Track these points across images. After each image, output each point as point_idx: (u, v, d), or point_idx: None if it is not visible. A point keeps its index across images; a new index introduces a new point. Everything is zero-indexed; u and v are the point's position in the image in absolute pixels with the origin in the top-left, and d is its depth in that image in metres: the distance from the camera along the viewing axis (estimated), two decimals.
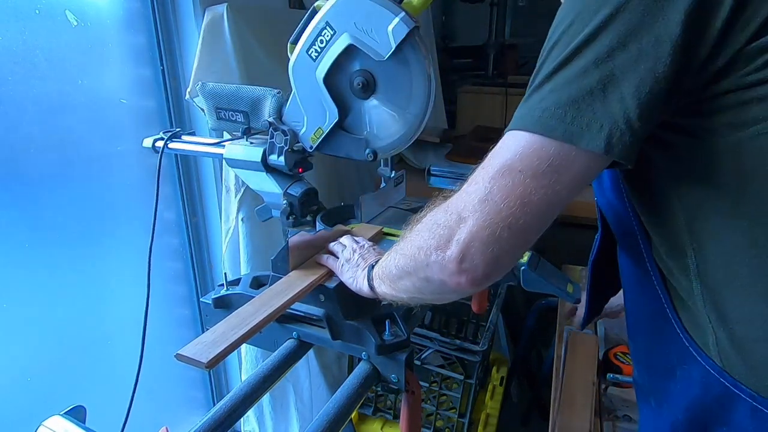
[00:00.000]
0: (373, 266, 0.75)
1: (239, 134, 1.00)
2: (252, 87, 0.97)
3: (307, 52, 0.85)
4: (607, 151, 0.48)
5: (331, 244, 0.88)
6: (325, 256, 0.86)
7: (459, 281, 0.55)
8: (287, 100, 0.93)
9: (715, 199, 0.52)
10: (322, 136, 0.91)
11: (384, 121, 0.88)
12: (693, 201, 0.54)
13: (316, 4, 0.84)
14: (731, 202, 0.51)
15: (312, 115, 0.91)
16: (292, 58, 0.87)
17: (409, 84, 0.82)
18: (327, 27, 0.82)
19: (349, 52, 0.82)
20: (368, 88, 0.85)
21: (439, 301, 0.66)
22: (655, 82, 0.47)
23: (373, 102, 0.87)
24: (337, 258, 0.84)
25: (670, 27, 0.46)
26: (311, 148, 0.93)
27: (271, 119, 0.92)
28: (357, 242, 0.85)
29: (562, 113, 0.48)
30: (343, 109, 0.88)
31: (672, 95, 0.48)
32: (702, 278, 0.55)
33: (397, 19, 0.77)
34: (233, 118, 0.99)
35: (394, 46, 0.78)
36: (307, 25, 0.85)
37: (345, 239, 0.87)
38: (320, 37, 0.83)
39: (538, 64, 0.52)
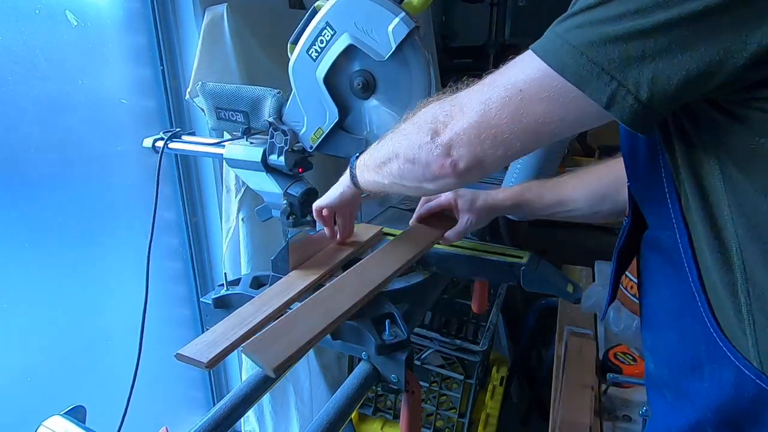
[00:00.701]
0: (357, 156, 0.77)
1: (239, 134, 1.00)
2: (252, 87, 0.97)
3: (307, 52, 0.85)
4: (608, 107, 0.47)
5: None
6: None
7: (443, 163, 0.59)
8: (287, 100, 0.93)
9: None
10: (322, 136, 0.91)
11: (384, 121, 0.88)
12: (751, 207, 0.51)
13: (316, 4, 0.84)
14: None
15: (312, 115, 0.91)
16: (292, 58, 0.87)
17: (409, 84, 0.82)
18: (327, 27, 0.82)
19: (349, 52, 0.83)
20: (368, 88, 0.85)
21: (417, 192, 0.70)
22: (688, 68, 0.44)
23: (373, 102, 0.87)
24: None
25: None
26: (311, 148, 0.93)
27: (271, 119, 0.92)
28: None
29: (578, 53, 0.47)
30: (343, 109, 0.89)
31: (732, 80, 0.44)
32: (749, 279, 0.52)
33: (397, 20, 0.77)
34: (233, 118, 0.99)
35: (394, 46, 0.78)
36: (307, 25, 0.85)
37: None
38: (320, 37, 0.83)
39: None
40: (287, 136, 0.91)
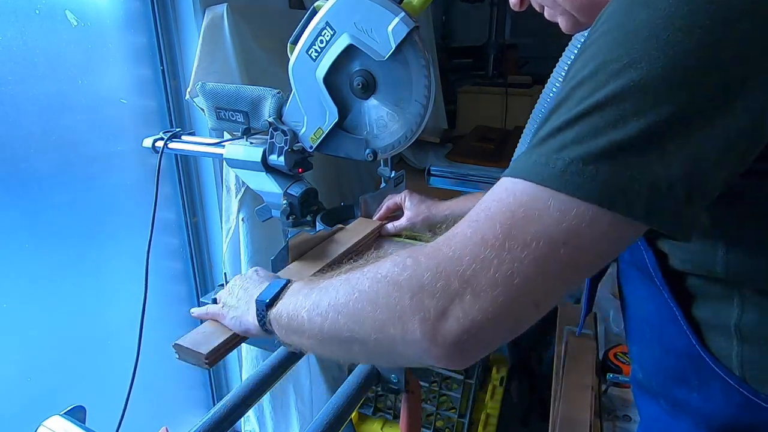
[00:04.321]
0: (267, 303, 0.60)
1: (239, 134, 1.00)
2: (252, 87, 0.97)
3: (306, 52, 0.85)
4: (648, 220, 0.39)
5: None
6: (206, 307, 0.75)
7: (445, 359, 0.44)
8: (287, 100, 0.93)
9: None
10: (322, 136, 0.91)
11: (384, 121, 0.88)
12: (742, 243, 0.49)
13: (316, 4, 0.84)
14: None
15: (312, 115, 0.91)
16: (292, 58, 0.87)
17: (409, 84, 0.82)
18: (327, 27, 0.82)
19: (349, 52, 0.82)
20: (368, 88, 0.85)
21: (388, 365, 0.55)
22: (717, 150, 0.38)
23: (373, 102, 0.87)
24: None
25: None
26: (311, 148, 0.93)
27: (270, 119, 0.92)
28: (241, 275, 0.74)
29: (592, 170, 0.38)
30: (343, 109, 0.88)
31: (749, 153, 0.40)
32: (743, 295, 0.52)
33: (397, 19, 0.77)
34: (233, 118, 0.99)
35: (393, 46, 0.78)
36: (306, 25, 0.85)
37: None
38: (320, 37, 0.83)
39: (556, 101, 0.42)
40: (287, 136, 0.91)
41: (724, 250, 0.50)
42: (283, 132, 0.91)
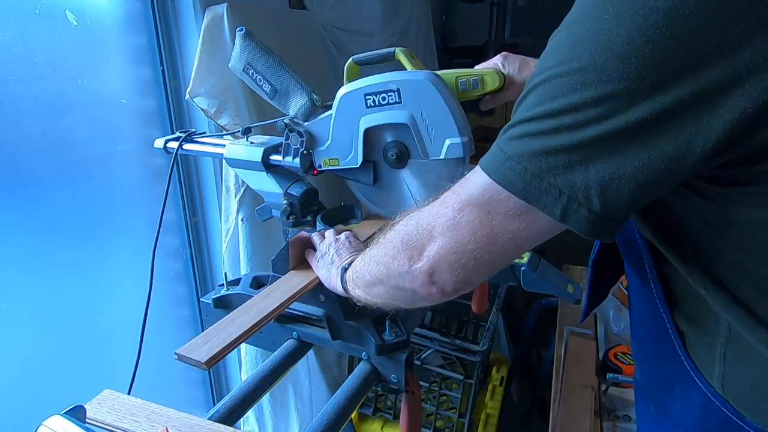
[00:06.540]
0: (346, 268, 0.74)
1: (239, 134, 0.99)
2: (295, 75, 0.92)
3: (365, 94, 0.80)
4: (563, 220, 0.45)
5: (314, 235, 0.88)
6: (309, 250, 0.87)
7: (430, 291, 0.57)
8: (321, 112, 0.88)
9: (734, 256, 0.48)
10: (335, 168, 0.89)
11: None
12: (709, 251, 0.50)
13: (397, 49, 0.81)
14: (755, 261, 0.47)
15: (337, 145, 0.87)
16: (348, 84, 0.82)
17: (438, 174, 0.81)
18: (396, 92, 0.78)
19: (401, 127, 0.80)
20: (401, 160, 0.83)
21: (411, 307, 0.67)
22: (635, 176, 0.41)
23: (404, 173, 0.85)
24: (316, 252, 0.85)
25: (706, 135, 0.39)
26: (320, 166, 0.91)
27: (293, 120, 0.89)
28: (336, 237, 0.83)
29: (522, 168, 0.45)
30: (367, 162, 0.86)
31: (674, 176, 0.42)
32: (719, 313, 0.52)
33: (458, 140, 0.74)
34: (259, 83, 0.94)
35: (441, 158, 0.76)
36: (381, 60, 0.81)
37: (327, 232, 0.86)
38: (384, 94, 0.79)
39: (525, 90, 0.47)
40: (303, 137, 0.88)
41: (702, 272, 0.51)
42: (299, 133, 0.88)
